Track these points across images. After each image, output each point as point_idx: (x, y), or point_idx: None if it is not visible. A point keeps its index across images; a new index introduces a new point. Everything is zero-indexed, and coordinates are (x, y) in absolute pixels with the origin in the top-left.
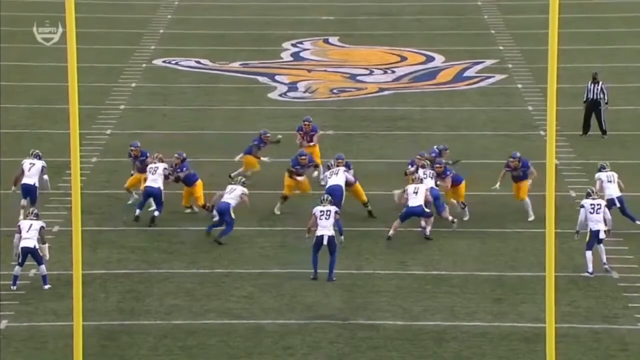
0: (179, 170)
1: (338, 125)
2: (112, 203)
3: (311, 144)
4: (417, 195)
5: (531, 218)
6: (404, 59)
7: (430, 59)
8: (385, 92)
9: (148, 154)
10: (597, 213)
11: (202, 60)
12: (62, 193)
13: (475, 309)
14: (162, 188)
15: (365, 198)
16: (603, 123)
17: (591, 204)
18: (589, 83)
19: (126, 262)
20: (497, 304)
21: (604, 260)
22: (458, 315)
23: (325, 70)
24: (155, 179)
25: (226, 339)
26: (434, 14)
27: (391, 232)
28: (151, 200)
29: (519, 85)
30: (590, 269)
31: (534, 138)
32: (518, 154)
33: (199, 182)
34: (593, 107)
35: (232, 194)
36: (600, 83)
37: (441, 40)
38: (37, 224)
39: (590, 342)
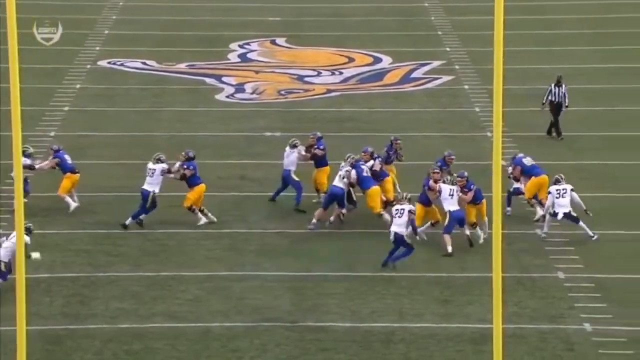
0: (185, 166)
1: (285, 127)
2: (56, 206)
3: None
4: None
5: (482, 239)
6: (351, 60)
7: (377, 60)
8: (333, 94)
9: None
10: (562, 197)
11: (148, 62)
12: (4, 196)
13: (423, 311)
14: (156, 191)
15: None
16: (556, 126)
17: (557, 189)
18: (553, 85)
19: (71, 265)
20: (444, 305)
21: (590, 234)
22: (406, 316)
23: (272, 72)
24: (150, 182)
25: (173, 343)
26: (382, 15)
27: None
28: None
29: (466, 87)
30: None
31: (481, 139)
32: (466, 174)
33: (201, 187)
34: (556, 109)
35: None
36: (564, 86)
37: (389, 42)
38: None
39: (537, 342)
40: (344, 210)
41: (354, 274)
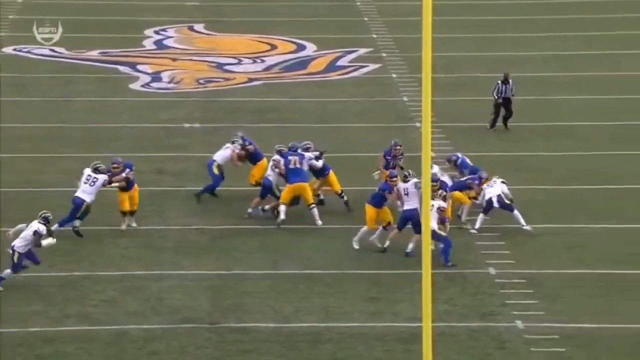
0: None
1: (205, 118)
2: None
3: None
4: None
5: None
6: (273, 47)
7: (301, 47)
8: (255, 83)
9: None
10: (490, 187)
11: (57, 49)
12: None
13: (350, 309)
14: (89, 202)
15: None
16: (508, 118)
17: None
18: (500, 83)
19: None
20: (373, 303)
21: (523, 223)
22: (333, 315)
23: (190, 59)
24: (87, 190)
25: (86, 346)
26: (305, 0)
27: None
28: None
29: (394, 75)
30: (476, 226)
31: (410, 130)
32: (395, 172)
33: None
34: (504, 104)
35: None
36: (511, 83)
37: (312, 28)
38: None
39: (468, 340)
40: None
41: (278, 271)
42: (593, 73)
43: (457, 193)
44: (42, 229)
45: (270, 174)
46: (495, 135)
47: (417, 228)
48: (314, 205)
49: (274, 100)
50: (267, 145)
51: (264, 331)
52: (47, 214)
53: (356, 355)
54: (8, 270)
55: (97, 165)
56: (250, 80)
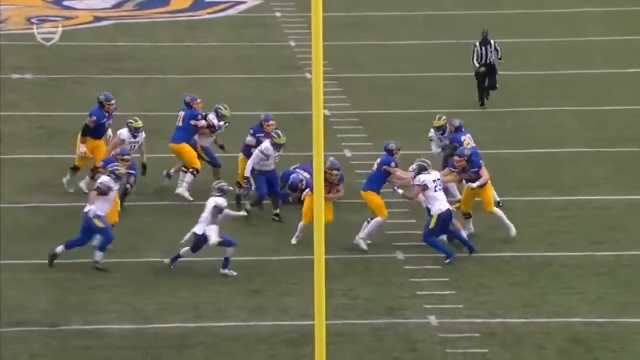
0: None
1: (39, 67)
2: None
3: None
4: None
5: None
6: None
7: None
8: (103, 22)
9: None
10: (439, 191)
11: None
12: None
13: (226, 305)
14: None
15: None
16: (492, 90)
17: (433, 180)
18: (478, 45)
19: None
20: (254, 298)
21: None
22: (204, 313)
23: None
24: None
25: None
26: None
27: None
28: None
29: (278, 14)
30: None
31: (298, 82)
32: (467, 152)
33: None
34: (487, 73)
35: None
36: (493, 43)
37: None
38: None
39: (371, 341)
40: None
41: (137, 259)
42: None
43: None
44: (221, 201)
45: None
46: (401, 90)
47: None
48: (186, 169)
49: (128, 45)
50: (124, 102)
51: (118, 334)
52: (222, 184)
53: None
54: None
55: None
56: (97, 19)
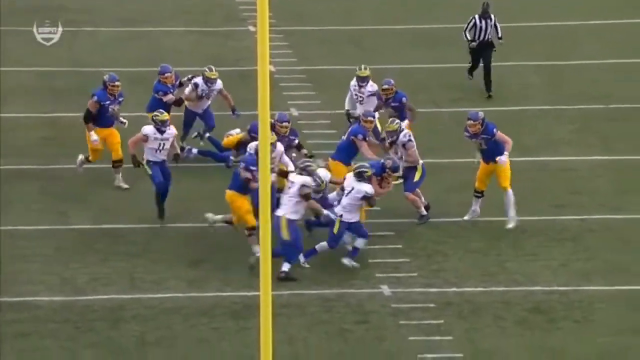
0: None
1: None
2: None
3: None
4: None
5: (511, 224)
6: None
7: None
8: None
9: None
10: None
11: None
12: None
13: (164, 276)
14: None
15: None
16: (491, 73)
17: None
18: (477, 18)
19: None
20: (194, 267)
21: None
22: (140, 284)
23: None
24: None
25: None
26: None
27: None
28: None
29: None
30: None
31: (241, 35)
32: (481, 115)
33: None
34: (483, 50)
35: None
36: (494, 18)
37: None
38: None
39: (320, 312)
40: None
41: (66, 226)
42: None
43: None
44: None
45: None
46: (354, 44)
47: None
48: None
49: None
50: (50, 61)
51: (47, 307)
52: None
53: (172, 337)
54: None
55: None
56: None
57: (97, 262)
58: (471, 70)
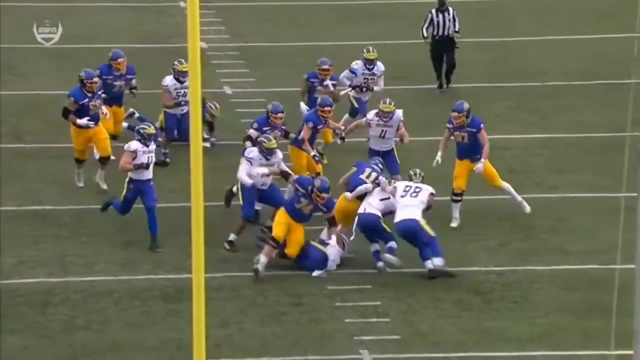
0: None
1: None
2: None
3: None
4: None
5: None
6: None
7: None
8: None
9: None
10: (411, 196)
11: None
12: None
13: (94, 258)
14: None
15: None
16: (450, 71)
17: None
18: (434, 12)
19: None
20: (125, 249)
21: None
22: (70, 267)
23: None
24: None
25: None
26: None
27: None
28: None
29: None
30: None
31: (172, 11)
32: (466, 106)
33: None
34: (442, 46)
35: None
36: (452, 11)
37: None
38: None
39: (254, 295)
40: None
41: None
42: None
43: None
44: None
45: None
46: (288, 20)
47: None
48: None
49: None
50: None
51: None
52: None
53: (103, 321)
54: None
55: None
56: None
57: (24, 245)
58: (440, 86)
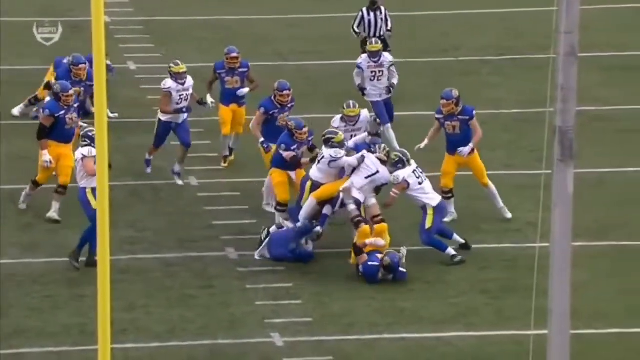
0: None
1: None
2: None
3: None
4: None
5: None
6: None
7: None
8: None
9: None
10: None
11: None
12: None
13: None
14: None
15: None
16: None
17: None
18: (365, 10)
19: None
20: (27, 232)
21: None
22: None
23: None
24: None
25: None
26: None
27: None
28: None
29: None
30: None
31: None
32: (455, 93)
33: None
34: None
35: None
36: (384, 10)
37: None
38: None
39: (162, 277)
40: None
41: None
42: None
43: None
44: None
45: None
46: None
47: None
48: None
49: None
50: None
51: None
52: None
53: (4, 306)
54: None
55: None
56: None
57: None
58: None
